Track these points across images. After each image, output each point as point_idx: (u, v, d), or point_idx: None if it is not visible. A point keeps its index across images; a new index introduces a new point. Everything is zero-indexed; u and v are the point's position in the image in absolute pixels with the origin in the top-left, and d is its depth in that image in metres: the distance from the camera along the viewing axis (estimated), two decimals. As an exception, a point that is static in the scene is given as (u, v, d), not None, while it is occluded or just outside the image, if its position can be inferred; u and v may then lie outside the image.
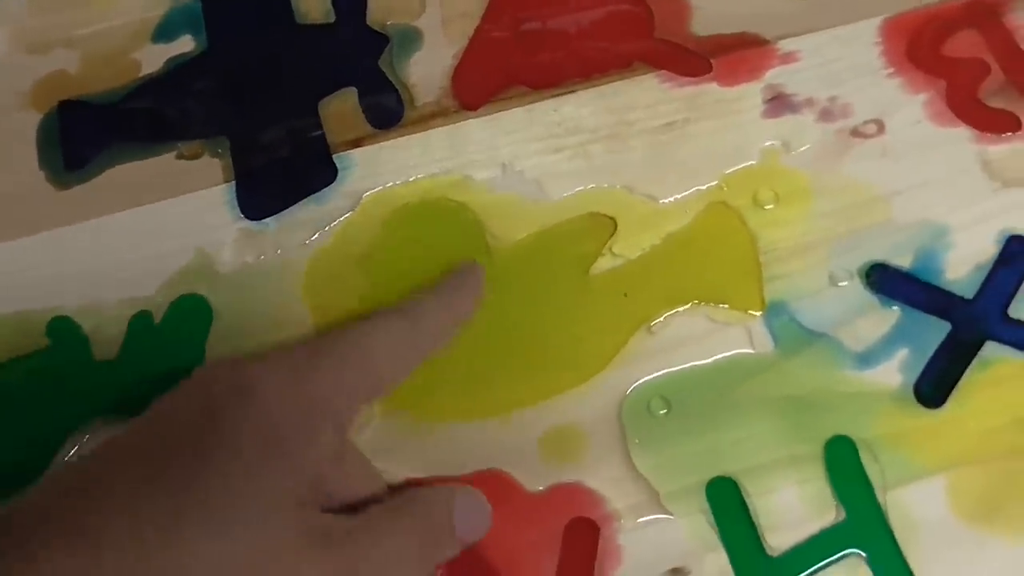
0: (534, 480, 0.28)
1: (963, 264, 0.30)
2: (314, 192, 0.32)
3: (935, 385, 0.28)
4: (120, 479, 0.23)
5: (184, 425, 0.24)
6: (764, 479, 0.28)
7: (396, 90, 0.34)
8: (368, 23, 0.35)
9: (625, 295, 0.30)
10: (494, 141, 0.33)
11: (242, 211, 0.32)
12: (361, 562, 0.24)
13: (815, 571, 0.26)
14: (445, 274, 0.30)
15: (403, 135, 0.33)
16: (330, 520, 0.25)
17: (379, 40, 0.35)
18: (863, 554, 0.26)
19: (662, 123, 0.32)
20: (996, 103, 0.32)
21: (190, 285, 0.31)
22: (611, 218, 0.31)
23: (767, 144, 0.32)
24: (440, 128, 0.33)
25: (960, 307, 0.29)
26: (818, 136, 0.32)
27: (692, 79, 0.33)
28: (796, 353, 0.29)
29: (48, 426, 0.30)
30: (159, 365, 0.30)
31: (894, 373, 0.29)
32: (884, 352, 0.29)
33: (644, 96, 0.33)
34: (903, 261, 0.30)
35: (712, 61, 0.33)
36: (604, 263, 0.31)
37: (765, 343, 0.29)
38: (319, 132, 0.33)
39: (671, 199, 0.31)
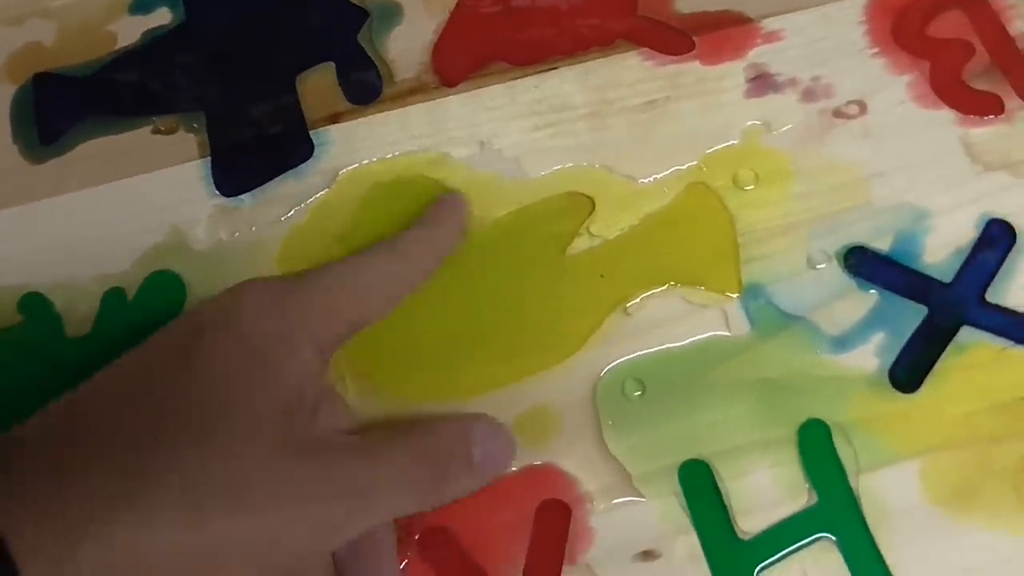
0: (508, 461, 0.28)
1: (942, 248, 0.30)
2: (290, 168, 0.32)
3: (910, 370, 0.28)
4: (108, 395, 0.24)
5: (171, 349, 0.25)
6: (737, 462, 0.28)
7: (375, 65, 0.33)
8: (347, -3, 0.35)
9: (602, 276, 0.30)
10: (474, 118, 0.32)
11: (217, 187, 0.32)
12: (362, 477, 0.24)
13: (786, 555, 0.26)
14: (429, 205, 0.30)
15: (381, 111, 0.32)
16: (327, 433, 0.25)
17: (359, 14, 0.34)
18: (834, 538, 0.26)
19: (643, 101, 0.32)
20: (980, 85, 0.32)
21: (164, 262, 0.31)
22: (589, 197, 0.31)
23: (749, 124, 0.32)
24: (419, 104, 0.32)
25: (937, 291, 0.29)
26: (800, 116, 0.32)
27: (674, 57, 0.33)
28: (772, 336, 0.29)
29: (20, 403, 0.29)
30: (132, 342, 0.30)
31: (870, 357, 0.28)
32: (860, 336, 0.29)
33: (626, 74, 0.33)
34: (882, 244, 0.30)
35: (695, 39, 0.33)
36: (581, 243, 0.30)
37: (741, 326, 0.29)
38: (296, 107, 0.33)
39: (650, 179, 0.31)
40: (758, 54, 0.33)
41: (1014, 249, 0.30)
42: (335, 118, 0.33)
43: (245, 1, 0.35)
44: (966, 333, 0.29)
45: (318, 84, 0.33)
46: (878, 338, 0.29)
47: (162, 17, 0.35)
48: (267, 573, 0.23)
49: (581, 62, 0.33)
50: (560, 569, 0.27)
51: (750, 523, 0.27)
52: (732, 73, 0.32)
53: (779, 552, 0.26)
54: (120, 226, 0.32)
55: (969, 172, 0.31)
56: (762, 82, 0.32)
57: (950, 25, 0.33)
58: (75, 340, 0.30)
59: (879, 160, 0.31)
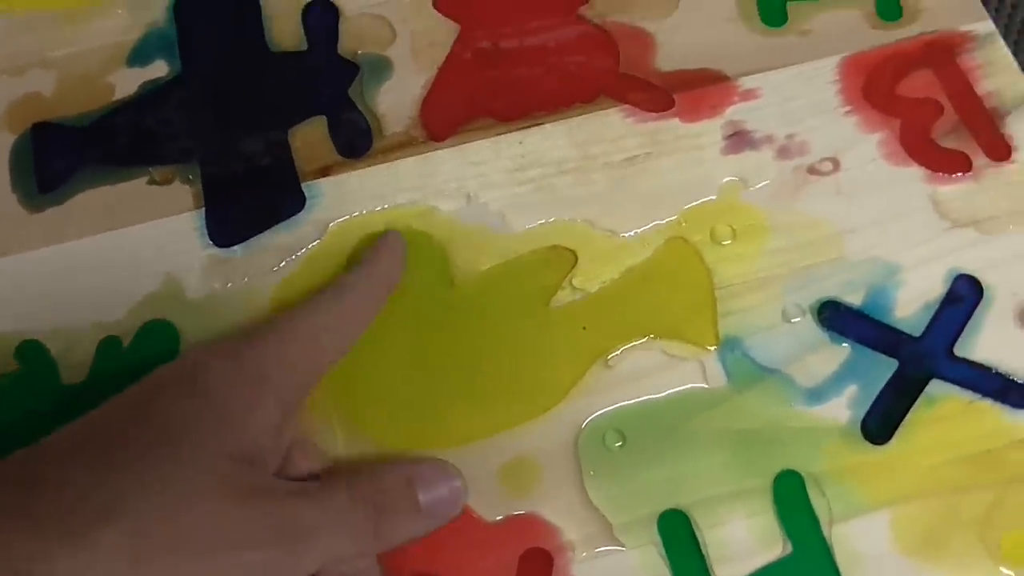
0: (491, 510, 0.29)
1: (912, 302, 0.31)
2: (282, 220, 0.33)
3: (881, 422, 0.29)
4: (65, 447, 0.25)
5: (131, 406, 0.26)
6: (714, 512, 0.28)
7: (365, 119, 0.34)
8: (339, 52, 0.36)
9: (584, 328, 0.31)
10: (460, 172, 0.33)
11: (211, 238, 0.33)
12: (302, 520, 0.25)
13: (760, 604, 0.27)
14: (367, 247, 0.31)
15: (371, 165, 0.33)
16: (273, 481, 0.26)
17: (350, 69, 0.35)
18: (807, 588, 0.27)
19: (625, 157, 0.33)
20: (949, 143, 0.33)
21: (158, 311, 0.32)
22: (572, 251, 0.32)
23: (726, 180, 0.33)
24: (408, 158, 0.33)
25: (907, 345, 0.30)
26: (776, 173, 0.33)
27: (655, 114, 0.34)
28: (748, 388, 0.30)
29: (15, 450, 0.30)
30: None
31: (843, 409, 0.29)
32: (834, 388, 0.30)
33: (608, 130, 0.34)
34: (855, 298, 0.31)
35: (675, 96, 0.34)
36: (564, 296, 0.31)
37: (718, 378, 0.30)
38: (288, 160, 0.34)
39: (631, 233, 0.32)
40: (735, 112, 0.34)
41: (981, 304, 0.31)
42: (326, 171, 0.33)
43: (240, 55, 0.36)
44: (935, 386, 0.30)
45: (310, 137, 0.34)
46: (851, 390, 0.30)
47: (159, 69, 0.36)
48: None
49: (564, 118, 0.34)
50: (542, 616, 0.28)
51: (727, 572, 0.28)
52: (710, 130, 0.33)
53: (754, 600, 0.27)
54: (116, 275, 0.32)
55: (938, 228, 0.32)
56: (739, 139, 0.33)
57: (920, 84, 0.34)
58: (71, 387, 0.31)
59: (851, 216, 0.32)
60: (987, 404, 0.29)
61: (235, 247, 0.32)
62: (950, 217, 0.32)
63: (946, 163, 0.33)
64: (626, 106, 0.34)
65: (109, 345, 0.31)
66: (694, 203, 0.32)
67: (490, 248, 0.32)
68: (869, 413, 0.29)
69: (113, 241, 0.33)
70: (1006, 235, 0.32)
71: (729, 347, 0.30)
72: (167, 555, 0.23)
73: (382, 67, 0.35)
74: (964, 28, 0.35)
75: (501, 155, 0.33)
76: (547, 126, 0.34)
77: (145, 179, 0.34)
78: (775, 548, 0.28)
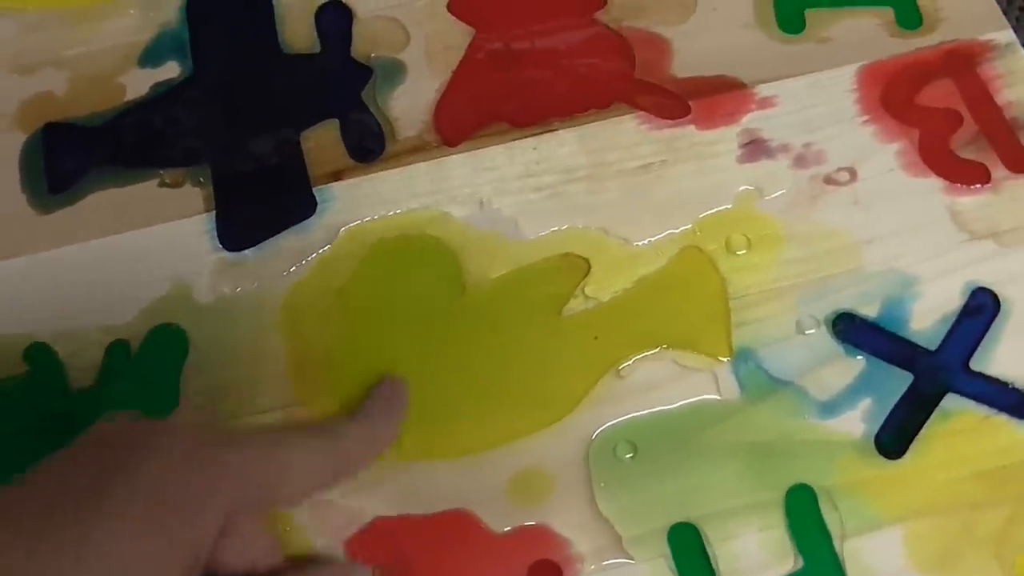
0: (501, 521, 0.28)
1: (929, 315, 0.30)
2: (293, 224, 0.33)
3: (896, 436, 0.29)
4: (9, 531, 0.23)
5: (77, 488, 0.24)
6: (725, 525, 0.28)
7: (378, 123, 0.34)
8: (353, 55, 0.35)
9: (596, 338, 0.30)
10: (473, 178, 0.33)
11: (221, 242, 0.32)
12: None
13: (771, 619, 0.27)
14: (369, 396, 0.29)
15: (384, 169, 0.33)
16: None
17: (363, 72, 0.35)
18: (819, 603, 0.27)
19: (639, 164, 0.33)
20: (967, 154, 0.33)
21: (168, 315, 0.32)
22: (585, 259, 0.32)
23: (742, 189, 0.32)
24: (421, 163, 0.33)
25: (923, 358, 0.30)
26: (792, 182, 0.32)
27: (670, 121, 0.33)
28: (761, 400, 0.29)
29: (22, 454, 0.30)
30: (135, 395, 0.31)
31: (857, 423, 0.29)
32: (848, 402, 0.29)
33: (623, 137, 0.33)
34: (870, 310, 0.31)
35: (690, 104, 0.34)
36: (576, 304, 0.31)
37: (731, 389, 0.30)
38: (300, 164, 0.34)
39: (645, 241, 0.32)
40: (751, 120, 0.33)
41: (998, 318, 0.30)
42: (338, 175, 0.33)
43: (252, 56, 0.36)
44: (951, 400, 0.29)
45: (322, 140, 0.34)
46: (865, 404, 0.29)
47: (171, 70, 0.36)
48: None
49: (579, 124, 0.34)
50: (551, 628, 0.27)
51: (737, 586, 0.28)
52: (726, 138, 0.33)
53: (765, 616, 0.27)
54: (125, 278, 0.32)
55: (956, 240, 0.31)
56: (755, 147, 0.33)
57: (939, 94, 0.34)
58: (79, 391, 0.31)
59: (868, 227, 0.32)
60: (1003, 419, 0.29)
61: (246, 251, 0.32)
62: (968, 229, 0.32)
63: (965, 174, 0.32)
64: (641, 113, 0.34)
65: (118, 349, 0.31)
66: (709, 212, 0.32)
67: (502, 255, 0.32)
68: (883, 427, 0.29)
69: (123, 243, 0.33)
70: (1025, 248, 0.31)
71: (743, 358, 0.30)
72: None
73: (396, 71, 0.35)
74: (984, 37, 0.35)
75: (515, 161, 0.33)
76: (561, 132, 0.33)
77: (156, 181, 0.34)
78: (787, 563, 0.28)
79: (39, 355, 0.31)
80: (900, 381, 0.30)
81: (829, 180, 0.32)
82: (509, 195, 0.33)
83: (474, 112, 0.34)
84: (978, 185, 0.32)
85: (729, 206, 0.32)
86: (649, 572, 0.28)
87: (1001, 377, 0.30)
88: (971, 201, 0.32)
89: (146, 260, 0.32)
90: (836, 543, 0.28)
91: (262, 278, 0.32)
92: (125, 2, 0.37)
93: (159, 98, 0.35)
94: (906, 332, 0.30)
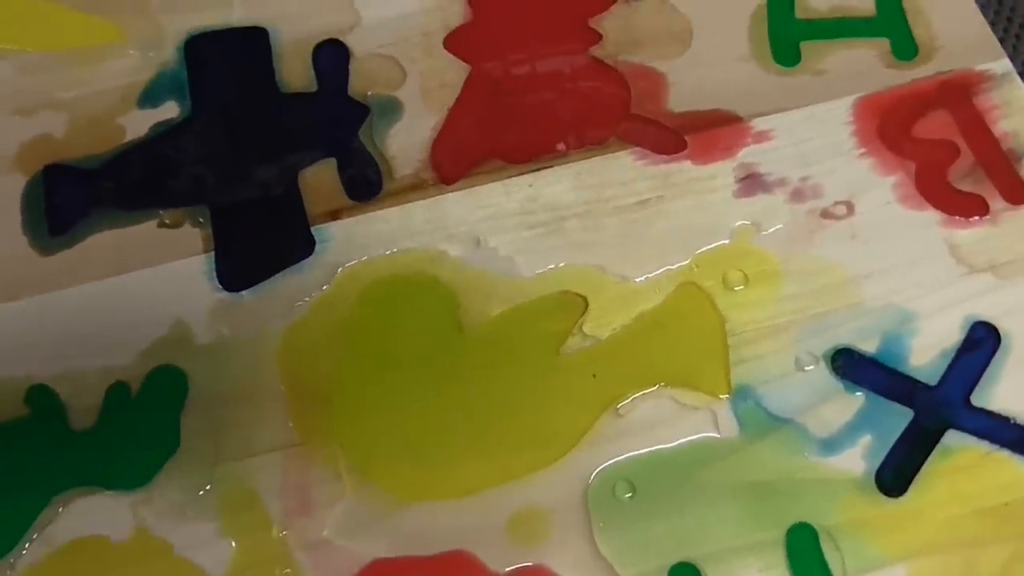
0: (500, 561, 0.28)
1: (928, 350, 0.30)
2: (292, 264, 0.33)
3: (896, 473, 0.29)
4: None
5: None
6: (726, 565, 0.28)
7: (375, 162, 0.34)
8: (350, 93, 0.36)
9: (594, 376, 0.30)
10: (470, 216, 0.33)
11: (220, 282, 0.33)
12: None
13: (773, 661, 0.27)
14: None
15: (381, 208, 0.33)
16: None
17: (360, 110, 0.35)
18: (821, 644, 0.27)
19: (636, 201, 0.33)
20: (965, 186, 0.33)
21: (167, 355, 0.32)
22: (583, 297, 0.32)
23: (739, 224, 0.32)
24: (418, 202, 0.33)
25: (923, 394, 0.30)
26: (789, 216, 0.32)
27: (666, 156, 0.33)
28: (761, 438, 0.29)
29: (24, 497, 0.30)
30: (135, 436, 0.31)
31: (857, 460, 0.29)
32: (848, 439, 0.29)
33: (619, 173, 0.33)
34: (869, 345, 0.30)
35: (687, 138, 0.34)
36: (575, 342, 0.31)
37: (731, 427, 0.30)
38: (298, 203, 0.34)
39: (643, 278, 0.32)
40: (748, 154, 0.33)
41: (999, 352, 0.30)
42: (335, 214, 0.33)
43: (250, 96, 0.36)
44: (952, 436, 0.29)
45: (319, 179, 0.34)
46: (865, 441, 0.29)
47: (170, 110, 0.36)
48: None
49: (575, 161, 0.34)
50: (551, 671, 0.27)
51: (738, 628, 0.27)
52: (722, 173, 0.33)
53: (766, 658, 0.27)
54: (125, 319, 0.32)
55: (954, 274, 0.31)
56: (752, 182, 0.33)
57: (935, 126, 0.34)
58: (80, 433, 0.31)
59: (866, 261, 0.32)
60: (1005, 455, 0.29)
61: (244, 291, 0.32)
62: (967, 262, 0.31)
63: (962, 207, 0.32)
64: (637, 148, 0.34)
65: (118, 390, 0.31)
66: (707, 247, 0.32)
67: (500, 293, 0.32)
68: (884, 464, 0.29)
69: (123, 285, 0.33)
70: (1024, 280, 0.31)
71: (742, 396, 0.30)
72: None
73: (392, 109, 0.35)
74: (981, 67, 0.35)
75: (511, 198, 0.33)
76: (557, 168, 0.34)
77: (155, 222, 0.34)
78: (788, 603, 0.28)
79: (40, 397, 0.31)
80: (901, 417, 0.29)
81: (826, 214, 0.32)
82: (506, 233, 0.33)
83: (470, 149, 0.34)
84: (976, 217, 0.32)
85: (726, 241, 0.32)
86: (649, 614, 0.28)
87: (1003, 412, 0.29)
88: (969, 234, 0.32)
89: (146, 301, 0.32)
90: (838, 583, 0.28)
91: (261, 318, 0.32)
92: (124, 43, 0.37)
93: (158, 138, 0.35)
94: (906, 367, 0.30)
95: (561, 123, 0.34)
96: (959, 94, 0.34)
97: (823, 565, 0.28)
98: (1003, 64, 0.35)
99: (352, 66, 0.36)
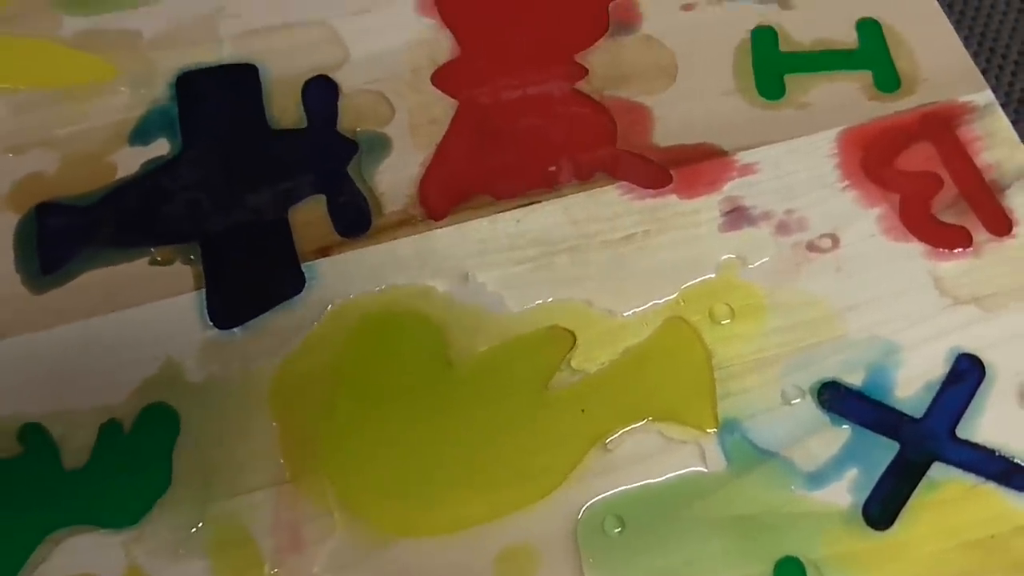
0: (489, 598, 0.29)
1: (913, 382, 0.31)
2: (282, 301, 0.33)
3: (883, 506, 0.29)
4: None
5: None
6: (715, 600, 0.28)
7: (364, 198, 0.34)
8: (339, 129, 0.36)
9: (583, 411, 0.31)
10: (458, 251, 0.33)
11: (211, 319, 0.33)
12: None
13: None
14: None
15: (370, 244, 0.34)
16: None
17: (349, 146, 0.36)
18: None
19: (623, 235, 0.33)
20: (948, 218, 0.33)
21: (159, 394, 0.32)
22: (570, 332, 0.32)
23: (725, 258, 0.33)
24: (407, 238, 0.34)
25: (909, 427, 0.30)
26: (775, 250, 0.33)
27: (652, 191, 0.34)
28: (748, 472, 0.30)
29: (17, 535, 0.30)
30: (127, 475, 0.31)
31: (844, 493, 0.29)
32: (834, 472, 0.29)
33: (605, 208, 0.34)
34: (855, 378, 0.31)
35: (672, 172, 0.34)
36: (563, 377, 0.31)
37: (718, 461, 0.30)
38: (288, 240, 0.34)
39: (630, 313, 0.32)
40: (733, 187, 0.34)
41: (983, 384, 0.30)
42: (325, 251, 0.34)
43: (240, 133, 0.36)
44: (938, 469, 0.29)
45: (309, 216, 0.34)
46: (852, 474, 0.29)
47: (161, 147, 0.36)
48: None
49: (562, 196, 0.34)
50: None
51: (727, 663, 0.27)
52: (708, 207, 0.33)
53: None
54: (117, 357, 0.32)
55: (939, 306, 0.32)
56: (737, 215, 0.33)
57: (919, 158, 0.34)
58: (72, 472, 0.31)
59: (851, 294, 0.32)
60: (991, 488, 0.29)
61: (235, 329, 0.33)
62: (951, 294, 0.32)
63: (946, 239, 0.32)
64: (624, 183, 0.34)
65: (110, 429, 0.31)
66: (693, 281, 0.32)
67: (488, 329, 0.32)
68: (871, 498, 0.29)
69: (114, 322, 0.33)
70: (1008, 312, 0.31)
71: (728, 430, 0.30)
72: None
73: (381, 145, 0.35)
74: (963, 99, 0.35)
75: (499, 234, 0.33)
76: (545, 204, 0.34)
77: (146, 259, 0.34)
78: (776, 638, 0.28)
79: (32, 436, 0.32)
80: (886, 450, 0.30)
81: (812, 247, 0.33)
82: (494, 268, 0.33)
83: (458, 185, 0.34)
84: (960, 249, 0.32)
85: (712, 275, 0.32)
86: (638, 650, 0.28)
87: (988, 444, 0.30)
88: (953, 266, 0.32)
89: (137, 339, 0.33)
90: (825, 617, 0.28)
91: (251, 356, 0.32)
92: (115, 80, 0.37)
93: (149, 175, 0.36)
94: (891, 400, 0.30)
95: (549, 157, 0.35)
96: (942, 126, 0.34)
97: (811, 599, 0.28)
98: (986, 95, 0.35)
99: (341, 102, 0.36)
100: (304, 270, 0.33)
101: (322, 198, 0.35)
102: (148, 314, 0.33)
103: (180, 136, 0.36)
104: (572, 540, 0.29)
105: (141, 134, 0.36)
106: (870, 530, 0.29)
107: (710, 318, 0.32)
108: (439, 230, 0.34)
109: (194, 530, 0.30)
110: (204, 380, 0.32)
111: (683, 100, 0.35)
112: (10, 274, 0.34)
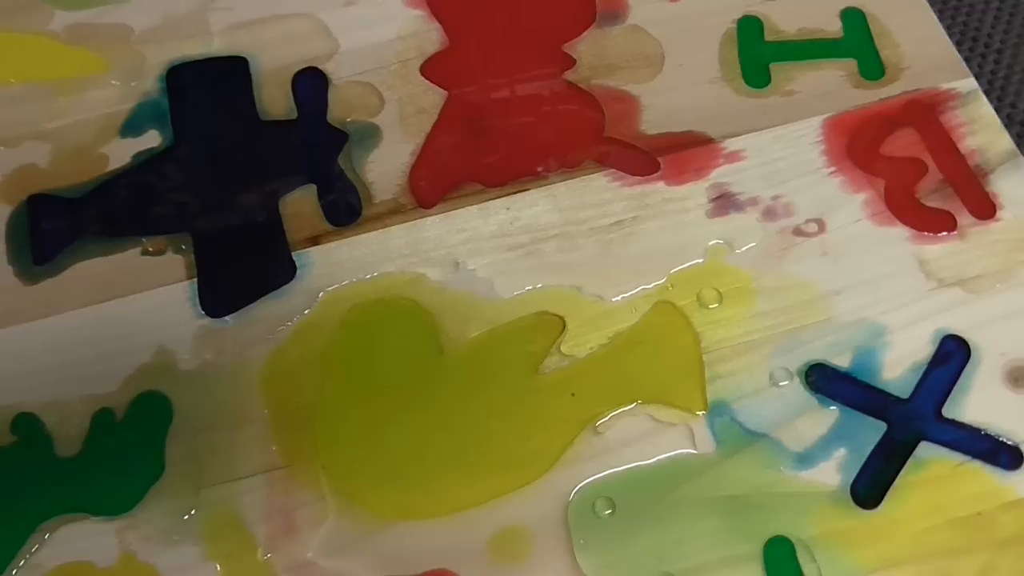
0: (482, 580, 0.29)
1: (900, 363, 0.31)
2: (273, 290, 0.33)
3: (871, 486, 0.29)
4: None
5: None
6: (705, 579, 0.28)
7: (354, 188, 0.35)
8: (329, 120, 0.36)
9: (573, 395, 0.31)
10: (448, 239, 0.33)
11: (203, 308, 0.33)
12: None
13: (752, 673, 0.27)
14: None
15: (360, 233, 0.34)
16: None
17: (339, 137, 0.36)
18: (799, 656, 0.27)
19: (611, 222, 0.34)
20: (933, 202, 0.33)
21: (151, 382, 0.32)
22: (560, 317, 0.32)
23: (712, 243, 0.33)
24: (397, 226, 0.34)
25: (896, 407, 0.30)
26: (761, 235, 0.33)
27: (640, 178, 0.34)
28: (737, 453, 0.30)
29: (11, 523, 0.30)
30: (121, 463, 0.31)
31: (832, 473, 0.29)
32: (822, 452, 0.30)
33: (594, 195, 0.34)
34: (842, 360, 0.31)
35: (660, 160, 0.34)
36: (553, 362, 0.31)
37: (707, 443, 0.30)
38: (279, 229, 0.34)
39: (619, 298, 0.32)
40: (720, 174, 0.34)
41: (969, 365, 0.31)
42: (316, 239, 0.34)
43: (231, 125, 0.36)
44: (925, 448, 0.30)
45: (300, 206, 0.35)
46: (840, 454, 0.30)
47: (152, 139, 0.36)
48: None
49: (551, 183, 0.34)
50: None
51: (717, 641, 0.28)
52: (696, 193, 0.34)
53: (745, 670, 0.27)
54: (109, 347, 0.33)
55: (924, 289, 0.32)
56: (724, 201, 0.34)
57: (903, 144, 0.34)
58: (65, 460, 0.31)
59: (837, 277, 0.32)
60: (977, 466, 0.29)
61: (227, 317, 0.33)
62: (936, 277, 0.32)
63: (931, 223, 0.33)
64: (612, 170, 0.34)
65: (103, 417, 0.32)
66: (681, 267, 0.33)
67: (478, 315, 0.32)
68: (858, 477, 0.29)
69: (107, 312, 0.33)
70: (992, 294, 0.32)
71: (717, 412, 0.30)
72: None
73: (371, 135, 0.36)
74: (947, 86, 0.35)
75: (489, 221, 0.34)
76: (533, 191, 0.34)
77: (138, 249, 0.34)
78: (766, 616, 0.28)
79: (26, 426, 0.32)
80: (874, 430, 0.30)
81: (798, 232, 0.33)
82: (484, 255, 0.33)
83: (448, 174, 0.35)
84: (944, 233, 0.33)
85: (700, 260, 0.33)
86: (630, 629, 0.28)
87: (974, 423, 0.30)
88: (938, 249, 0.33)
89: (130, 328, 0.33)
90: (814, 594, 0.28)
91: (243, 343, 0.32)
92: (106, 73, 0.37)
93: (140, 167, 0.36)
94: (878, 381, 0.31)
95: (537, 146, 0.35)
96: (926, 112, 0.35)
97: (800, 578, 0.28)
98: (968, 83, 0.35)
99: (331, 94, 0.37)
100: (295, 259, 0.33)
101: (312, 188, 0.35)
102: (140, 303, 0.33)
103: (171, 128, 0.36)
104: (563, 522, 0.29)
105: (132, 126, 0.37)
106: (858, 509, 0.29)
107: (698, 302, 0.32)
108: (429, 218, 0.34)
109: (187, 516, 0.30)
110: (197, 368, 0.32)
111: (670, 89, 0.36)
112: (3, 265, 0.34)
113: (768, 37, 0.37)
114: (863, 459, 0.30)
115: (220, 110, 0.37)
